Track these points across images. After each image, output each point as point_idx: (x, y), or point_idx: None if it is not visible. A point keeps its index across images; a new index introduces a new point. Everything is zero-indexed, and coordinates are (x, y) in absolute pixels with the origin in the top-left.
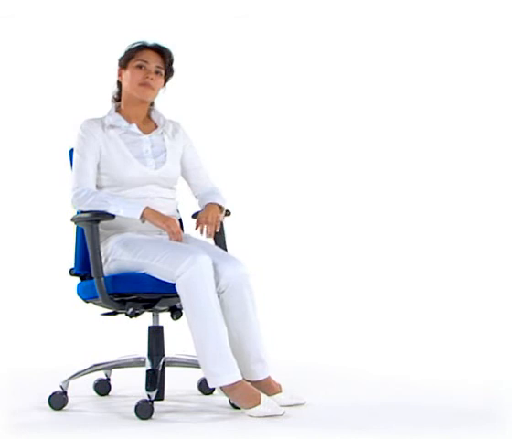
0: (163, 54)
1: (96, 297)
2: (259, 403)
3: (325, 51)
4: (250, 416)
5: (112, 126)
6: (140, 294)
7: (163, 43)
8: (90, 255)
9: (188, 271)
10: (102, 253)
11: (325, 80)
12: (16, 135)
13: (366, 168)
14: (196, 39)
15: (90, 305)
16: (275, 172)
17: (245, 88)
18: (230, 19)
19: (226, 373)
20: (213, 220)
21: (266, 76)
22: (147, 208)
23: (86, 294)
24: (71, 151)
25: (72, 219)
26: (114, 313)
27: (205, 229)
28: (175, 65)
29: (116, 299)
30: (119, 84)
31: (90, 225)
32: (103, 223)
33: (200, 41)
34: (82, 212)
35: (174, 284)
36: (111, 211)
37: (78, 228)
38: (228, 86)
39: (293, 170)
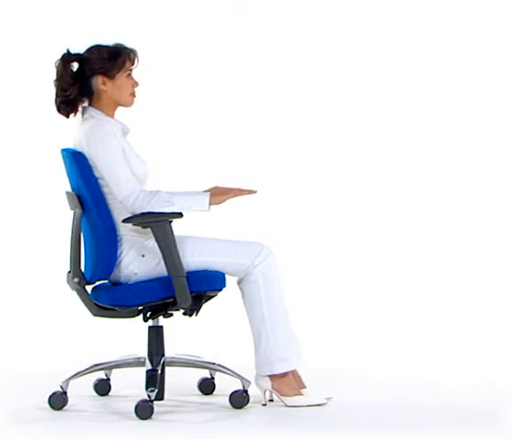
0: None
1: (131, 304)
2: (300, 393)
3: (326, 47)
4: (293, 406)
5: (123, 130)
6: (216, 290)
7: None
8: (164, 255)
9: (266, 261)
10: (134, 256)
11: (327, 75)
12: (16, 136)
13: (369, 172)
14: (195, 35)
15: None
16: (276, 171)
17: (245, 85)
18: (230, 15)
19: (296, 358)
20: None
21: (266, 72)
22: (211, 195)
23: (117, 301)
24: (67, 151)
25: (137, 223)
26: (195, 311)
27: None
28: (175, 61)
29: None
30: (90, 90)
31: (166, 225)
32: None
33: (199, 37)
34: (145, 214)
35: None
36: (177, 211)
37: (85, 233)
38: (227, 83)
39: (293, 170)
